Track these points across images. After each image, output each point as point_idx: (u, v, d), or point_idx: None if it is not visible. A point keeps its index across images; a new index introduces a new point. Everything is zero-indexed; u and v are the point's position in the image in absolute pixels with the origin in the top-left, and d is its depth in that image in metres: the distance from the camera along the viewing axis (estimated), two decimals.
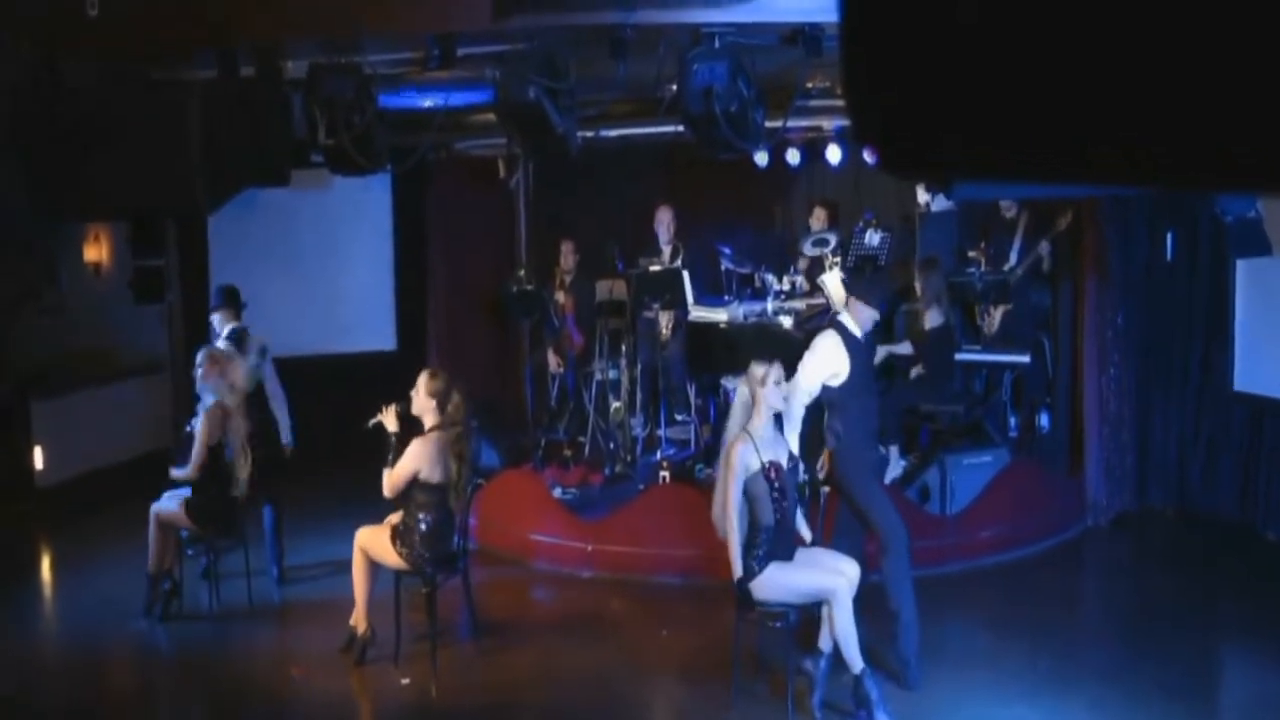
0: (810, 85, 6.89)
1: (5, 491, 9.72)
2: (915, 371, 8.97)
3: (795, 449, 5.93)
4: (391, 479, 6.35)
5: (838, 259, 9.36)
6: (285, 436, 8.07)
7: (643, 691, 6.56)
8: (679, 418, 9.81)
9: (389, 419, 6.44)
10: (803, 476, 6.02)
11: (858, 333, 6.27)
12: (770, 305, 9.26)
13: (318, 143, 6.09)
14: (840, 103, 6.79)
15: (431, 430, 6.42)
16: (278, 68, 6.13)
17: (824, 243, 9.62)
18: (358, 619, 6.64)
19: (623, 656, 6.89)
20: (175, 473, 7.21)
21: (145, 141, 5.75)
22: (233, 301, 8.06)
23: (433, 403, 6.43)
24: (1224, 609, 7.47)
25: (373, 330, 12.15)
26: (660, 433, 9.21)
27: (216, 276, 10.19)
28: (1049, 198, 8.70)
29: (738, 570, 5.70)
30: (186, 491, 7.23)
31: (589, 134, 7.67)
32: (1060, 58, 0.93)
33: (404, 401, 6.49)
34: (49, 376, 10.32)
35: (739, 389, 5.95)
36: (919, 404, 9.03)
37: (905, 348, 9.03)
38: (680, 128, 6.08)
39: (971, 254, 9.65)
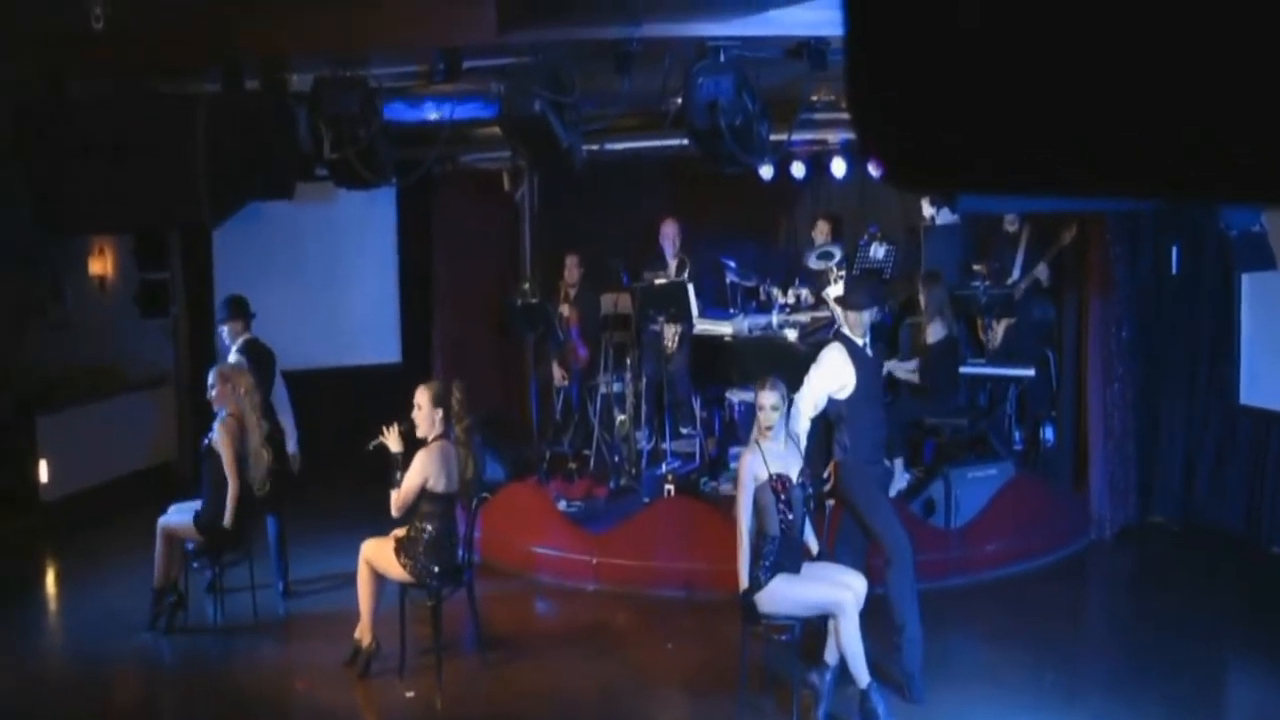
0: (815, 99, 6.90)
1: (10, 505, 9.72)
2: (910, 367, 8.93)
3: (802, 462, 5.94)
4: (400, 496, 6.35)
5: (842, 272, 9.37)
6: (291, 445, 8.07)
7: (648, 705, 6.55)
8: (684, 431, 9.80)
9: (391, 439, 6.39)
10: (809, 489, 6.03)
11: (862, 343, 6.28)
12: (775, 319, 9.26)
13: (323, 156, 6.08)
14: (845, 116, 6.82)
15: (435, 440, 6.42)
16: (283, 81, 6.14)
17: (829, 256, 9.63)
18: (362, 632, 6.64)
19: (628, 670, 6.88)
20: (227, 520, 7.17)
21: (150, 155, 5.73)
22: (242, 312, 8.00)
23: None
24: (1228, 623, 7.43)
25: (377, 343, 12.15)
26: (665, 446, 9.19)
27: (221, 290, 10.16)
28: (1053, 212, 8.71)
29: (744, 581, 5.70)
30: (195, 505, 7.26)
31: (594, 147, 7.69)
32: (1064, 68, 0.93)
33: (405, 420, 6.47)
34: (54, 390, 10.32)
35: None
36: (924, 417, 9.02)
37: (911, 365, 9.01)
38: (685, 141, 6.09)
39: (976, 268, 9.66)
